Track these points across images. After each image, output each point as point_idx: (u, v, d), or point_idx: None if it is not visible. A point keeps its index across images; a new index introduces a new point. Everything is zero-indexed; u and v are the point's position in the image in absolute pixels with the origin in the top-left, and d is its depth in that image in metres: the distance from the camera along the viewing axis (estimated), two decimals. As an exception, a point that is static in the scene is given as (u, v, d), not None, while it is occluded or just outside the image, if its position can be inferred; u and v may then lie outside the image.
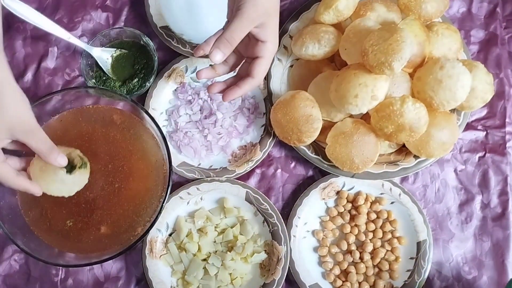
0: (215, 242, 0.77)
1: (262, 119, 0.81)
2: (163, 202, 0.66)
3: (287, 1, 0.85)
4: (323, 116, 0.72)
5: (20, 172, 0.60)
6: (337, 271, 0.76)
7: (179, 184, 0.78)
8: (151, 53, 0.80)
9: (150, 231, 0.67)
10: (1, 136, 0.55)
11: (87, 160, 0.63)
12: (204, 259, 0.76)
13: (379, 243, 0.76)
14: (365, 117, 0.73)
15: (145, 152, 0.70)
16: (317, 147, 0.76)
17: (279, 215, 0.76)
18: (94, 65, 0.81)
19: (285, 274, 0.74)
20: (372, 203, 0.77)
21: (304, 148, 0.76)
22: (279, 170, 0.80)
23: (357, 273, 0.75)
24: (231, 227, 0.77)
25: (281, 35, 0.79)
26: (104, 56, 0.81)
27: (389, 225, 0.76)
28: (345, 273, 0.76)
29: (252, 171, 0.80)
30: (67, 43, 0.81)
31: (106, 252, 0.66)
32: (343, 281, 0.75)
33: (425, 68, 0.69)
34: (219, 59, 0.60)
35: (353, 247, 0.76)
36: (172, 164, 0.70)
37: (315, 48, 0.73)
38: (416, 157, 0.75)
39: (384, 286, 0.75)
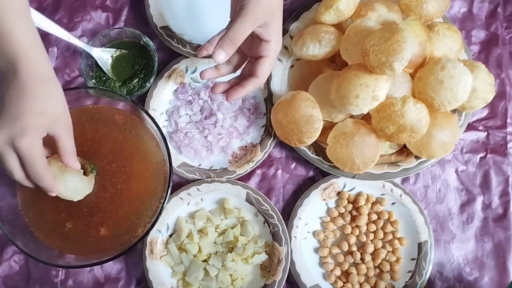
0: (215, 243, 0.76)
1: (262, 119, 0.80)
2: (164, 203, 0.66)
3: (288, 1, 0.84)
4: (323, 117, 0.72)
5: None
6: (338, 272, 0.76)
7: (179, 184, 0.78)
8: (151, 53, 0.80)
9: (151, 232, 0.67)
10: (48, 125, 0.54)
11: (94, 165, 0.65)
12: (205, 260, 0.76)
13: (380, 244, 0.76)
14: (366, 118, 0.73)
15: (146, 153, 0.70)
16: (318, 147, 0.76)
17: (280, 216, 0.75)
18: (94, 65, 0.81)
19: (286, 275, 0.74)
20: (373, 203, 0.77)
21: (305, 148, 0.76)
22: (279, 171, 0.80)
23: (358, 274, 0.75)
24: (232, 228, 0.76)
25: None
26: (104, 56, 0.80)
27: (390, 226, 0.76)
28: (346, 274, 0.76)
29: (252, 172, 0.79)
30: (67, 43, 0.81)
31: (106, 254, 0.65)
32: (344, 282, 0.75)
33: (426, 68, 0.69)
34: (222, 59, 0.59)
35: (354, 248, 0.76)
36: (173, 164, 0.70)
37: (316, 48, 0.72)
38: (417, 157, 0.75)
39: (385, 287, 0.75)
